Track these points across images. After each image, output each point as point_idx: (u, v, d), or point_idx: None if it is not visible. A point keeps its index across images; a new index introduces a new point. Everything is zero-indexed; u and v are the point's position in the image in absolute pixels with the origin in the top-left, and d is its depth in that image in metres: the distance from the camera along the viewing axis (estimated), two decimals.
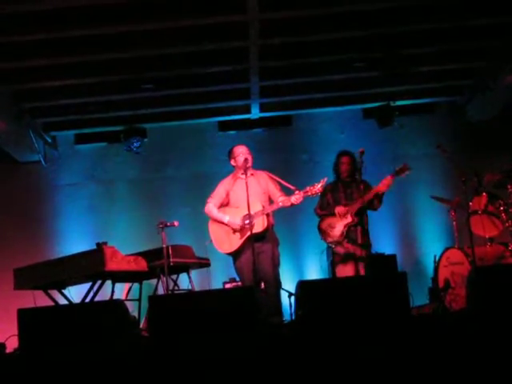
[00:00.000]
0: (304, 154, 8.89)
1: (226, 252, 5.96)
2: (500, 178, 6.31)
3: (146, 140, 8.68)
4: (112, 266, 5.73)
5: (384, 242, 7.80)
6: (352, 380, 3.75)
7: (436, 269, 6.44)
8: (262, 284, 5.84)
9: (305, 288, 4.20)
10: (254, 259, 5.57)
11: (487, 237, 6.24)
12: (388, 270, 6.66)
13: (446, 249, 6.42)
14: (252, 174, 5.97)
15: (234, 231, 5.88)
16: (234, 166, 6.15)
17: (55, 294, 6.42)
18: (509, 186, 6.19)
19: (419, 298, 6.32)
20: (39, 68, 6.97)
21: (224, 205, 6.09)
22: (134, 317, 6.56)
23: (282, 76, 7.78)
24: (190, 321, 4.01)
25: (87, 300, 5.97)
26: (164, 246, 6.35)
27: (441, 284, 6.27)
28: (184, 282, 7.06)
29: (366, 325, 3.93)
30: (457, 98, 8.68)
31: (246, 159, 5.92)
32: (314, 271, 8.04)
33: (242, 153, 6.04)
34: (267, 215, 5.79)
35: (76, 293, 6.48)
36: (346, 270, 6.29)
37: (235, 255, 5.92)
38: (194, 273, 7.11)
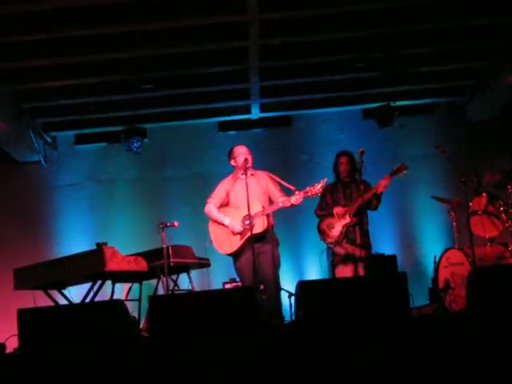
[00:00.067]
0: (304, 155, 8.89)
1: (226, 253, 5.96)
2: (500, 179, 6.30)
3: (146, 140, 8.68)
4: (112, 266, 5.72)
5: (384, 243, 7.80)
6: (352, 380, 3.75)
7: (436, 269, 6.44)
8: (262, 285, 5.84)
9: (305, 288, 4.20)
10: (254, 260, 5.57)
11: (487, 237, 6.24)
12: (388, 271, 6.66)
13: (446, 249, 6.42)
14: (252, 175, 5.97)
15: (234, 232, 5.88)
16: (233, 166, 6.15)
17: (55, 294, 6.41)
18: (509, 187, 6.18)
19: (419, 298, 6.32)
20: (39, 68, 6.97)
21: (224, 205, 6.09)
22: (134, 317, 6.57)
23: (282, 76, 7.78)
24: (189, 321, 4.00)
25: (87, 300, 5.97)
26: (164, 246, 6.35)
27: (441, 284, 6.26)
28: (184, 282, 7.06)
29: (366, 325, 3.92)
30: (457, 99, 8.68)
31: (246, 159, 5.93)
32: (314, 271, 8.04)
33: (242, 153, 6.04)
34: (267, 216, 5.79)
35: (76, 293, 6.47)
36: (345, 271, 6.29)
37: (235, 256, 5.92)
38: (194, 273, 7.11)
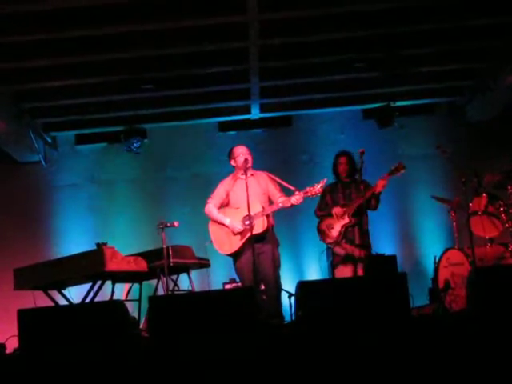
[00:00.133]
0: (304, 155, 8.89)
1: (226, 253, 5.96)
2: (500, 179, 6.30)
3: (146, 140, 8.68)
4: (112, 266, 5.72)
5: (384, 243, 7.81)
6: (352, 380, 3.75)
7: (436, 269, 6.44)
8: (262, 285, 5.84)
9: (305, 288, 4.20)
10: (254, 260, 5.58)
11: (487, 237, 6.24)
12: (388, 271, 6.67)
13: (446, 249, 6.42)
14: (252, 175, 5.97)
15: (235, 233, 5.88)
16: (233, 167, 6.15)
17: (55, 294, 6.41)
18: (509, 187, 6.19)
19: (419, 298, 6.33)
20: (39, 68, 6.97)
21: (224, 205, 6.09)
22: (134, 317, 6.56)
23: (282, 76, 7.78)
24: (189, 321, 4.00)
25: (87, 300, 5.97)
26: (164, 246, 6.35)
27: (441, 285, 6.26)
28: (184, 282, 7.05)
29: (366, 325, 3.92)
30: (457, 99, 8.68)
31: (245, 159, 5.93)
32: (314, 272, 8.04)
33: (242, 153, 6.04)
34: (267, 216, 5.79)
35: (76, 293, 6.48)
36: (345, 271, 6.29)
37: (235, 256, 5.92)
38: (193, 273, 7.11)
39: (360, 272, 6.19)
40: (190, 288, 6.90)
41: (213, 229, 6.04)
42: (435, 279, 6.45)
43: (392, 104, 8.24)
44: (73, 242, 8.21)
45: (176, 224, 6.51)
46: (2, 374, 4.07)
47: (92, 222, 8.63)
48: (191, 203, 8.08)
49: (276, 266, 5.83)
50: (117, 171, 8.90)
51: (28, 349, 4.12)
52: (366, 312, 3.98)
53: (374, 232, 6.43)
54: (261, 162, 6.48)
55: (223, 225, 5.94)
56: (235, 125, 8.95)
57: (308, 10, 6.17)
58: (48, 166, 8.85)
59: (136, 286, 7.10)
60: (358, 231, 6.23)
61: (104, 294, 6.52)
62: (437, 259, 6.49)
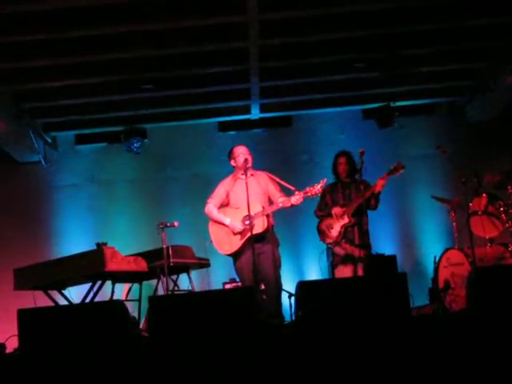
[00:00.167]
0: (304, 155, 8.89)
1: (226, 253, 5.96)
2: (500, 179, 6.31)
3: (146, 140, 8.69)
4: (112, 266, 5.72)
5: (384, 243, 7.81)
6: (352, 381, 3.75)
7: (436, 269, 6.44)
8: (262, 285, 5.84)
9: (305, 288, 4.20)
10: (254, 260, 5.58)
11: (487, 237, 6.24)
12: (388, 271, 6.67)
13: (446, 249, 6.42)
14: (252, 175, 5.97)
15: (235, 232, 5.88)
16: (233, 167, 6.16)
17: (55, 294, 6.41)
18: (509, 187, 6.19)
19: (419, 298, 6.33)
20: (39, 68, 6.97)
21: (224, 205, 6.09)
22: (134, 317, 6.57)
23: (282, 76, 7.78)
24: (189, 321, 4.00)
25: (87, 300, 5.97)
26: (164, 246, 6.35)
27: (441, 285, 6.26)
28: (184, 282, 7.06)
29: (366, 325, 3.92)
30: (457, 99, 8.68)
31: (245, 160, 5.93)
32: (314, 272, 8.04)
33: (242, 153, 6.04)
34: (267, 216, 5.79)
35: (76, 293, 6.47)
36: (345, 271, 6.29)
37: (235, 256, 5.92)
38: (193, 273, 7.11)
39: (360, 272, 6.19)
40: (190, 288, 6.90)
41: (213, 229, 6.04)
42: (435, 279, 6.45)
43: (392, 104, 8.25)
44: (73, 242, 8.20)
45: (176, 224, 6.51)
46: (2, 374, 4.07)
47: (92, 222, 8.63)
48: (191, 203, 8.08)
49: (276, 266, 5.83)
50: (117, 171, 8.90)
51: (28, 349, 4.12)
52: (365, 312, 3.98)
53: (373, 232, 6.43)
54: (261, 162, 6.48)
55: (223, 225, 5.94)
56: (235, 125, 8.95)
57: (308, 9, 6.17)
58: (48, 166, 8.85)
59: (136, 286, 7.10)
60: (358, 231, 6.24)
61: (104, 294, 6.52)
62: (437, 259, 6.49)
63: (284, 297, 6.21)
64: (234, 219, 5.88)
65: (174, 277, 7.02)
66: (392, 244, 8.21)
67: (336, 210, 6.31)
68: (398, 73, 7.36)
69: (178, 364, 3.86)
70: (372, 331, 3.88)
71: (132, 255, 6.14)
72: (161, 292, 6.60)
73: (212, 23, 6.27)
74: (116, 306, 4.33)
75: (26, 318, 4.19)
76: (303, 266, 8.43)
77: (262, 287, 5.85)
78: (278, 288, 5.88)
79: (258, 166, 6.21)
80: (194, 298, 4.53)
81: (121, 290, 7.21)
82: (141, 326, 6.59)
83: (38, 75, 7.14)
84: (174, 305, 4.21)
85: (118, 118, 8.55)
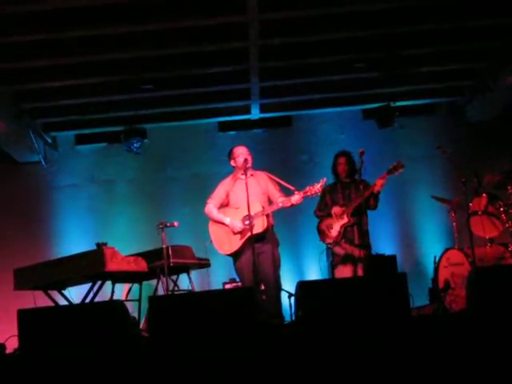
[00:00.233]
0: (304, 155, 8.89)
1: (226, 253, 5.96)
2: (500, 179, 6.31)
3: (146, 140, 8.69)
4: (112, 266, 5.72)
5: (384, 243, 7.81)
6: (352, 381, 3.75)
7: (436, 269, 6.44)
8: (262, 285, 5.84)
9: (305, 289, 4.20)
10: (254, 260, 5.58)
11: (487, 237, 6.24)
12: (388, 271, 6.67)
13: (446, 249, 6.42)
14: (252, 175, 5.97)
15: (235, 232, 5.88)
16: (233, 167, 6.16)
17: (55, 294, 6.41)
18: (509, 187, 6.19)
19: (419, 298, 6.32)
20: (39, 68, 6.97)
21: (224, 205, 6.10)
22: (134, 317, 6.56)
23: (282, 77, 7.78)
24: (189, 321, 4.00)
25: (87, 300, 5.96)
26: (164, 246, 6.35)
27: (441, 285, 6.26)
28: (184, 282, 7.06)
29: (366, 325, 3.92)
30: (457, 99, 8.68)
31: (245, 160, 5.93)
32: (314, 272, 8.04)
33: (241, 153, 6.04)
34: (267, 216, 5.80)
35: (76, 293, 6.47)
36: (345, 271, 6.29)
37: (235, 256, 5.92)
38: (193, 273, 7.11)
39: (360, 272, 6.19)
40: (189, 288, 6.90)
41: (213, 229, 6.04)
42: (435, 279, 6.45)
43: (392, 104, 8.25)
44: (73, 242, 8.21)
45: (176, 224, 6.51)
46: (2, 374, 4.07)
47: (92, 222, 8.63)
48: (191, 203, 8.09)
49: (276, 266, 5.83)
50: (117, 171, 8.90)
51: (28, 349, 4.12)
52: (365, 312, 3.98)
53: (373, 232, 6.43)
54: (261, 162, 6.48)
55: (223, 224, 5.94)
56: (235, 125, 8.96)
57: (308, 10, 6.17)
58: (48, 167, 8.85)
59: (136, 286, 7.10)
60: (358, 231, 6.24)
61: (104, 294, 6.52)
62: (437, 259, 6.49)
63: (284, 297, 6.21)
64: (233, 219, 5.89)
65: (174, 277, 7.02)
66: (392, 244, 8.21)
67: (336, 210, 6.31)
68: (398, 73, 7.36)
69: (178, 364, 3.86)
70: (372, 331, 3.88)
71: (132, 255, 6.14)
72: (161, 292, 6.60)
73: (212, 23, 6.28)
74: (116, 306, 4.32)
75: (26, 319, 4.18)
76: (303, 266, 8.43)
77: (262, 287, 5.85)
78: (278, 288, 5.88)
79: (258, 166, 6.21)
80: (194, 298, 4.53)
81: (121, 290, 7.21)
82: (141, 326, 6.59)
83: (38, 75, 7.14)
84: (174, 305, 4.21)
85: (118, 118, 8.55)
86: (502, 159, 7.29)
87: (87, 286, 6.11)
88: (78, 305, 5.88)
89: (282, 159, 8.58)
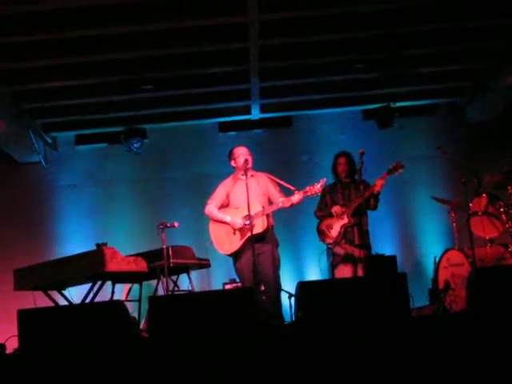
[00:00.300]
0: (304, 155, 8.89)
1: (226, 253, 5.96)
2: (500, 179, 6.31)
3: (146, 141, 8.67)
4: (112, 266, 5.72)
5: (384, 243, 7.80)
6: (352, 381, 3.75)
7: (436, 270, 6.44)
8: (262, 286, 5.84)
9: (305, 289, 4.20)
10: (254, 260, 5.58)
11: (487, 238, 6.24)
12: (388, 271, 6.66)
13: (446, 250, 6.41)
14: (252, 176, 5.98)
15: (235, 232, 5.88)
16: (234, 167, 6.16)
17: (55, 294, 6.41)
18: (509, 187, 6.19)
19: (419, 299, 6.32)
20: (39, 69, 6.97)
21: (224, 206, 6.10)
22: (134, 318, 6.56)
23: (282, 77, 7.78)
24: (189, 322, 4.00)
25: (87, 301, 5.96)
26: (164, 246, 6.35)
27: (441, 285, 6.26)
28: (184, 282, 7.06)
29: (366, 326, 3.92)
30: (457, 100, 8.68)
31: (246, 160, 5.93)
32: (314, 272, 8.03)
33: (242, 154, 6.04)
34: (267, 216, 5.80)
35: (76, 294, 6.47)
36: (345, 271, 6.29)
37: (235, 256, 5.93)
38: (193, 274, 7.11)
39: (360, 272, 6.20)
40: (189, 288, 6.90)
41: (213, 229, 6.04)
42: (435, 280, 6.45)
43: (392, 105, 8.24)
44: (73, 242, 8.20)
45: (176, 224, 6.51)
46: (2, 374, 4.07)
47: (92, 222, 8.63)
48: (191, 203, 8.08)
49: (276, 267, 5.83)
50: (117, 171, 8.89)
51: (28, 349, 4.12)
52: (366, 312, 3.98)
53: (373, 232, 6.44)
54: (261, 163, 6.48)
55: (224, 223, 5.94)
56: (235, 125, 8.95)
57: (308, 10, 6.17)
58: (48, 167, 8.85)
59: (136, 286, 7.10)
60: (358, 231, 6.24)
61: (104, 295, 6.51)
62: (437, 260, 6.49)
63: (284, 297, 6.21)
64: (235, 217, 5.89)
65: (174, 277, 7.02)
66: (392, 244, 8.21)
67: (336, 209, 6.32)
68: (398, 73, 7.36)
69: (178, 364, 3.86)
70: (372, 332, 3.88)
71: (132, 255, 6.14)
72: (161, 292, 6.60)
73: (212, 23, 6.27)
74: (116, 306, 4.33)
75: (26, 319, 4.19)
76: (303, 267, 8.43)
77: (262, 288, 5.84)
78: (278, 288, 5.88)
79: (258, 166, 6.21)
80: (194, 299, 4.53)
81: (121, 291, 7.21)
82: (141, 327, 6.59)
83: (37, 75, 7.13)
84: (174, 305, 4.21)
85: (118, 118, 8.55)
86: (502, 160, 7.29)
87: (87, 287, 6.11)
88: (78, 305, 5.88)
89: (282, 159, 8.58)
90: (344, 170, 6.50)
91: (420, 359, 3.79)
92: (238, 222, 5.84)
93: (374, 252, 6.49)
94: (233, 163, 6.14)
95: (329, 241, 6.36)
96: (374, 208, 6.34)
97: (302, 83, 8.04)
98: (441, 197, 6.81)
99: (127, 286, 7.24)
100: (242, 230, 5.83)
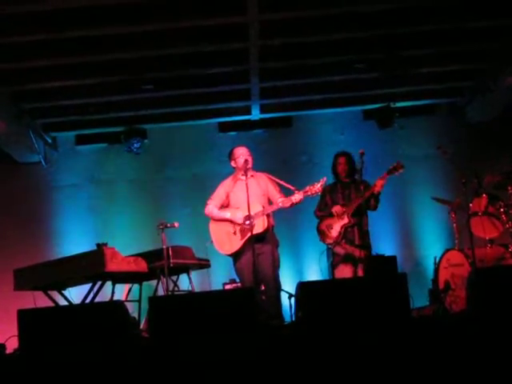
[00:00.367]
0: (304, 155, 8.89)
1: (226, 253, 5.96)
2: (500, 180, 6.31)
3: (146, 141, 8.67)
4: (112, 266, 5.72)
5: (384, 244, 7.81)
6: (352, 381, 3.75)
7: (436, 270, 6.43)
8: (262, 286, 5.84)
9: (305, 289, 4.20)
10: (254, 260, 5.58)
11: (487, 238, 6.24)
12: (388, 271, 6.67)
13: (447, 250, 6.41)
14: (252, 176, 5.98)
15: (235, 232, 5.88)
16: (234, 168, 6.16)
17: (55, 294, 6.41)
18: (509, 188, 6.19)
19: (419, 299, 6.33)
20: (39, 69, 6.97)
21: (224, 206, 6.10)
22: (134, 318, 6.56)
23: (282, 77, 7.78)
24: (189, 322, 4.00)
25: (87, 301, 5.96)
26: (164, 246, 6.35)
27: (441, 285, 6.26)
28: (184, 283, 7.06)
29: (366, 326, 3.92)
30: (457, 100, 8.68)
31: (246, 160, 5.93)
32: (314, 272, 8.03)
33: (242, 154, 6.04)
34: (267, 216, 5.80)
35: (76, 294, 6.47)
36: (345, 271, 6.29)
37: (236, 256, 5.92)
38: (193, 274, 7.11)
39: (360, 272, 6.20)
40: (189, 289, 6.90)
41: (213, 229, 6.04)
42: (435, 280, 6.45)
43: (392, 105, 8.25)
44: (73, 242, 8.21)
45: (176, 224, 6.51)
46: (2, 374, 4.07)
47: (92, 222, 8.63)
48: (191, 204, 8.09)
49: (275, 267, 5.83)
50: (117, 172, 8.90)
51: (28, 349, 4.12)
52: (366, 313, 3.98)
53: (374, 232, 6.44)
54: (261, 163, 6.48)
55: (224, 221, 5.94)
56: (235, 125, 8.96)
57: (308, 10, 6.17)
58: (48, 167, 8.85)
59: (136, 286, 7.10)
60: (358, 232, 6.24)
61: (104, 295, 6.52)
62: (437, 260, 6.49)
63: (284, 298, 6.21)
64: (235, 214, 5.89)
65: (174, 277, 7.02)
66: (392, 245, 8.21)
67: (336, 209, 6.32)
68: (398, 73, 7.36)
69: (178, 365, 3.86)
70: (372, 332, 3.88)
71: (132, 256, 6.14)
72: (161, 292, 6.60)
73: (212, 24, 6.27)
74: (116, 306, 4.32)
75: (26, 319, 4.18)
76: (303, 267, 8.43)
77: (262, 288, 5.85)
78: (277, 288, 5.88)
79: (258, 166, 6.21)
80: (194, 299, 4.52)
81: (121, 291, 7.21)
82: (141, 327, 6.59)
83: (37, 75, 7.13)
84: (174, 305, 4.21)
85: (118, 118, 8.55)
86: (502, 160, 7.29)
87: (87, 287, 6.11)
88: (78, 305, 5.88)
89: (282, 160, 8.59)
90: (344, 169, 6.50)
91: (420, 359, 3.79)
92: (239, 217, 5.84)
93: (374, 252, 6.49)
94: (233, 163, 6.14)
95: (329, 241, 6.36)
96: (375, 208, 6.34)
97: (302, 83, 8.05)
98: (441, 197, 6.81)
99: (127, 287, 7.24)
100: (242, 230, 5.83)
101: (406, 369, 3.76)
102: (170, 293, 6.50)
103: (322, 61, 7.41)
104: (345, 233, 6.28)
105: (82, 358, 3.92)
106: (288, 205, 5.78)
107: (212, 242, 6.03)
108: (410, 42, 6.97)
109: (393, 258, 7.19)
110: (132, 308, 6.72)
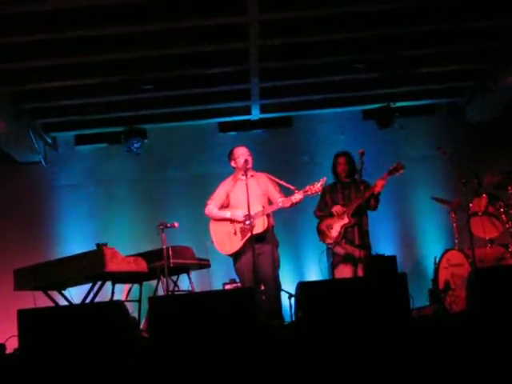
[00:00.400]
0: (304, 155, 8.89)
1: (227, 253, 5.96)
2: (500, 180, 6.31)
3: (146, 141, 8.67)
4: (112, 266, 5.72)
5: (384, 243, 7.81)
6: (352, 381, 3.75)
7: (436, 270, 6.44)
8: (262, 286, 5.84)
9: (305, 289, 4.20)
10: (254, 260, 5.58)
11: (487, 238, 6.24)
12: (388, 271, 6.66)
13: (446, 250, 6.42)
14: (252, 176, 5.98)
15: (235, 232, 5.88)
16: (234, 168, 6.16)
17: (55, 294, 6.41)
18: (509, 188, 6.19)
19: (419, 299, 6.33)
20: (39, 69, 6.97)
21: (224, 206, 6.10)
22: (134, 318, 6.56)
23: (282, 77, 7.78)
24: (189, 322, 4.00)
25: (87, 301, 5.96)
26: (164, 246, 6.35)
27: (441, 285, 6.26)
28: (184, 283, 7.06)
29: (366, 326, 3.92)
30: (457, 100, 8.68)
31: (246, 160, 5.93)
32: (314, 272, 8.03)
33: (242, 154, 6.04)
34: (267, 216, 5.80)
35: (76, 294, 6.47)
36: (345, 271, 6.30)
37: (236, 256, 5.93)
38: (194, 274, 7.11)
39: (360, 272, 6.20)
40: (189, 289, 6.90)
41: (214, 229, 6.04)
42: (435, 280, 6.45)
43: (392, 105, 8.24)
44: (73, 242, 8.21)
45: (176, 224, 6.51)
46: (2, 374, 4.07)
47: (92, 222, 8.62)
48: (191, 204, 8.07)
49: (275, 267, 5.83)
50: (117, 172, 8.89)
51: (28, 349, 4.12)
52: (366, 313, 3.98)
53: (374, 232, 6.44)
54: (261, 163, 6.48)
55: (225, 221, 5.94)
56: (235, 125, 8.96)
57: (308, 10, 6.17)
58: (48, 167, 8.84)
59: (136, 286, 7.10)
60: (358, 232, 6.25)
61: (104, 295, 6.51)
62: (437, 260, 6.49)
63: (284, 298, 6.21)
64: (235, 212, 5.88)
65: (174, 277, 7.02)
66: (392, 244, 8.20)
67: (337, 208, 6.32)
68: (398, 73, 7.36)
69: (178, 365, 3.86)
70: (372, 332, 3.88)
71: (132, 256, 6.14)
72: (161, 292, 6.60)
73: (212, 24, 6.27)
74: (116, 306, 4.32)
75: (26, 319, 4.19)
76: (303, 267, 8.42)
77: (262, 288, 5.85)
78: (277, 288, 5.88)
79: (258, 166, 6.21)
80: (194, 299, 4.52)
81: (121, 291, 7.21)
82: (141, 327, 6.59)
83: (37, 75, 7.13)
84: (174, 305, 4.21)
85: (118, 118, 8.55)
86: (502, 160, 7.29)
87: (87, 287, 6.11)
88: (78, 305, 5.88)
89: (282, 160, 8.58)
90: (344, 169, 6.50)
91: (420, 359, 3.79)
92: (239, 214, 5.84)
93: (374, 252, 6.49)
94: (233, 163, 6.14)
95: (329, 241, 6.36)
96: (375, 208, 6.34)
97: (302, 83, 8.04)
98: (441, 197, 6.81)
99: (127, 286, 7.23)
100: (242, 230, 5.83)
101: (406, 369, 3.76)
102: (170, 293, 6.50)
103: (322, 61, 7.41)
104: (345, 233, 6.28)
105: (82, 358, 3.93)
106: (288, 205, 5.78)
107: (212, 242, 6.03)
108: (410, 42, 6.97)
109: (393, 258, 7.17)
110: (132, 308, 6.72)
